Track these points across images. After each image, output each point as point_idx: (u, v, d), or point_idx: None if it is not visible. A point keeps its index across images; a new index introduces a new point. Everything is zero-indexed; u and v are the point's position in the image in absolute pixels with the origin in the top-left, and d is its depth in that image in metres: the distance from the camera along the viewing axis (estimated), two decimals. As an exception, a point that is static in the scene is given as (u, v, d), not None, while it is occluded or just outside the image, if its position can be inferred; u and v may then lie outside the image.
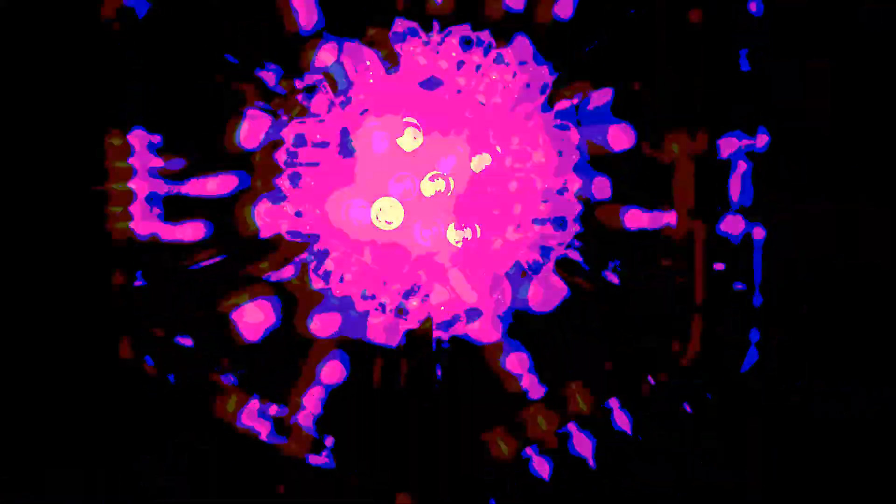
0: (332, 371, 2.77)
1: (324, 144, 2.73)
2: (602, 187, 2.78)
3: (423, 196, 2.70)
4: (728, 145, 2.78)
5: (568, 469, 2.79)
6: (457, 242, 2.73)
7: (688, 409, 2.79)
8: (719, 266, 2.78)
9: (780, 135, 2.79)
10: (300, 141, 2.72)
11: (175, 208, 2.73)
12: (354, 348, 2.77)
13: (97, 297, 2.72)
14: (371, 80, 2.72)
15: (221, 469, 2.75)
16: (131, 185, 2.69)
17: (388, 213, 2.69)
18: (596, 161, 2.78)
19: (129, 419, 2.74)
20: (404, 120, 2.71)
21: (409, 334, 2.76)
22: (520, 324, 2.79)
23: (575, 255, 2.80)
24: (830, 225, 2.81)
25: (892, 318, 2.81)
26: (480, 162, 2.72)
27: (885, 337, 2.81)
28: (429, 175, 2.69)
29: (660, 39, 2.78)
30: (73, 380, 2.74)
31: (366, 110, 2.73)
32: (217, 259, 2.73)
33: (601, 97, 2.77)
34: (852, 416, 2.80)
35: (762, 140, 2.76)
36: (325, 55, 2.71)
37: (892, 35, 2.80)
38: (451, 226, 2.73)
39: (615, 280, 2.77)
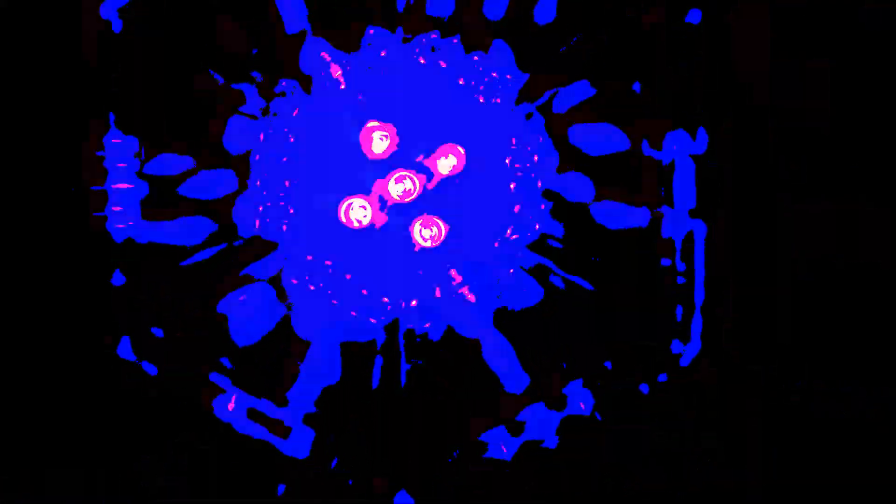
0: (325, 369, 2.77)
1: (300, 146, 2.74)
2: (579, 187, 2.78)
3: (392, 196, 2.72)
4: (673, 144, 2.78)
5: (567, 468, 2.80)
6: (425, 241, 2.74)
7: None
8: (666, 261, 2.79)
9: (780, 135, 2.79)
10: (278, 142, 2.73)
11: (167, 207, 2.73)
12: (344, 347, 2.78)
13: (97, 297, 2.72)
14: (342, 86, 2.74)
15: (221, 469, 2.75)
16: (124, 184, 2.70)
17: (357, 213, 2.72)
18: (573, 161, 2.78)
19: (129, 419, 2.74)
20: (369, 125, 2.72)
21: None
22: (507, 320, 2.79)
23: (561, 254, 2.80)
24: (830, 225, 2.81)
25: (892, 318, 2.81)
26: (446, 164, 2.73)
27: (885, 337, 2.80)
28: (394, 176, 2.70)
29: (660, 40, 2.78)
30: (73, 380, 2.73)
31: (336, 114, 2.75)
32: (207, 257, 2.74)
33: (574, 95, 2.77)
34: (852, 416, 2.80)
35: (702, 143, 2.77)
36: (310, 57, 2.73)
37: (892, 35, 2.79)
38: (418, 224, 2.73)
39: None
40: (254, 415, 2.76)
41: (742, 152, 2.79)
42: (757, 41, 2.78)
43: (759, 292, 2.80)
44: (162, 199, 2.72)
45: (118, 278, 2.72)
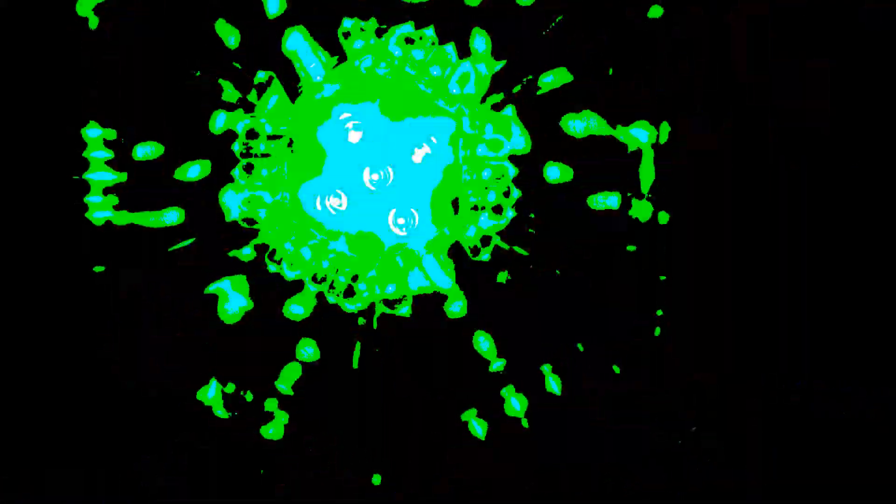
0: (307, 353, 2.77)
1: (281, 135, 2.74)
2: (555, 173, 2.77)
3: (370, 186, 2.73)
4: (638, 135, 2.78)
5: (566, 466, 2.80)
6: (400, 226, 2.74)
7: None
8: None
9: (780, 135, 2.79)
10: (259, 131, 2.73)
11: (150, 197, 2.73)
12: (325, 330, 2.77)
13: (97, 295, 2.73)
14: (319, 78, 2.74)
15: (221, 469, 2.75)
16: (106, 174, 2.70)
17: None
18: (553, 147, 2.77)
19: (129, 419, 2.74)
20: (341, 117, 2.73)
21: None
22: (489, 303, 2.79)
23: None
24: (830, 225, 2.81)
25: (892, 318, 2.81)
26: (420, 153, 2.74)
27: (885, 337, 2.81)
28: (367, 167, 2.71)
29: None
30: (73, 380, 2.74)
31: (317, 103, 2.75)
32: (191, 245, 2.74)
33: (553, 82, 2.76)
34: (852, 416, 2.80)
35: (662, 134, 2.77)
36: (293, 45, 2.72)
37: (892, 35, 2.79)
38: (392, 213, 2.74)
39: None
40: (253, 412, 2.76)
41: (742, 152, 2.79)
42: (757, 41, 2.78)
43: (759, 292, 2.80)
44: (146, 188, 2.71)
45: (117, 275, 2.72)
